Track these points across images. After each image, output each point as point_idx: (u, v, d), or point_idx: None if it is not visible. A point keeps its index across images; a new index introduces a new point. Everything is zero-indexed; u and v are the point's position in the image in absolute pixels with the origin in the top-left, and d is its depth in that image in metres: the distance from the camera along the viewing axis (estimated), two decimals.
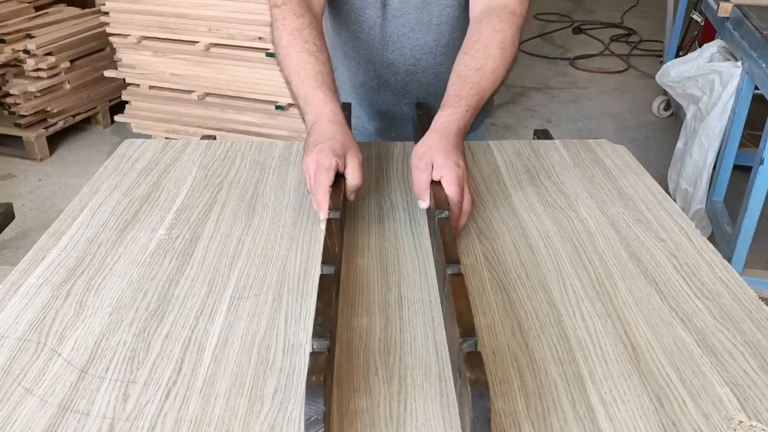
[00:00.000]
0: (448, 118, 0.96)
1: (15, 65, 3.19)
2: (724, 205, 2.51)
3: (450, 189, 0.89)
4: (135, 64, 3.15)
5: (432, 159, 0.91)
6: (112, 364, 0.70)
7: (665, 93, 3.59)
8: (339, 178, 0.92)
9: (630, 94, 4.21)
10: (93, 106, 3.52)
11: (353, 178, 0.93)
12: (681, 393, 0.68)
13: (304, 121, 1.00)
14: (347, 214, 0.96)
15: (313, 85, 1.00)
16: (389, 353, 0.72)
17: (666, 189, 2.53)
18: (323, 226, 0.88)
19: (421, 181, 0.92)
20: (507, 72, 1.04)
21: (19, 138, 3.24)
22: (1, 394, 0.66)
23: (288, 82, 1.05)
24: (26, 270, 0.86)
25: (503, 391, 0.67)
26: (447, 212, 0.86)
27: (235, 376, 0.69)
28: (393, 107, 1.29)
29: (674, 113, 3.72)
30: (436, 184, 0.91)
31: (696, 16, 3.33)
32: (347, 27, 1.21)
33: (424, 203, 0.92)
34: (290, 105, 2.85)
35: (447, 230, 0.81)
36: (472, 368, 0.59)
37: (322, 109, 0.98)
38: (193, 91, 3.05)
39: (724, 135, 2.39)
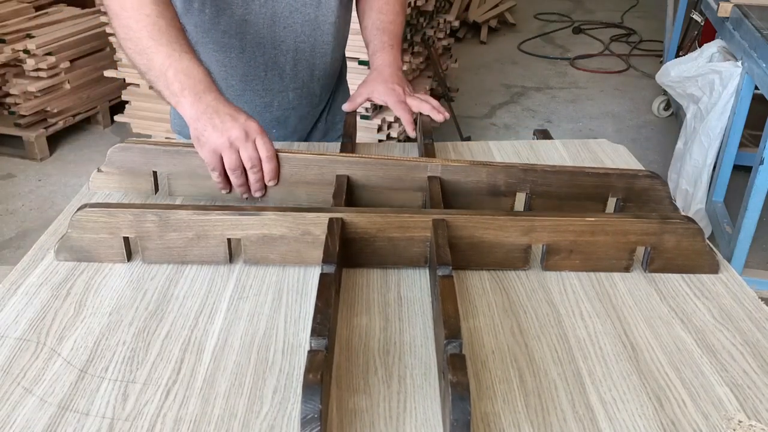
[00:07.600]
0: (381, 59, 1.23)
1: (15, 65, 3.19)
2: (724, 205, 2.51)
3: (396, 108, 1.16)
4: None
5: (373, 90, 1.18)
6: (112, 364, 0.70)
7: (665, 93, 3.59)
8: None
9: (630, 94, 4.21)
10: (93, 106, 3.53)
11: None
12: (680, 393, 0.68)
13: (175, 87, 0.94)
14: None
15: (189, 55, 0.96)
16: (389, 353, 0.72)
17: None
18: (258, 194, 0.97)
19: (357, 97, 1.21)
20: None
21: (19, 138, 3.24)
22: (1, 394, 0.66)
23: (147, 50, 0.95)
24: (26, 270, 0.86)
25: (503, 391, 0.67)
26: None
27: (235, 376, 0.69)
28: (278, 95, 1.27)
29: (674, 113, 3.72)
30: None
31: (696, 16, 3.33)
32: (231, 10, 1.17)
33: (349, 107, 1.22)
34: None
35: (440, 232, 0.81)
36: (454, 370, 0.59)
37: (211, 82, 0.96)
38: None
39: (724, 135, 2.39)
